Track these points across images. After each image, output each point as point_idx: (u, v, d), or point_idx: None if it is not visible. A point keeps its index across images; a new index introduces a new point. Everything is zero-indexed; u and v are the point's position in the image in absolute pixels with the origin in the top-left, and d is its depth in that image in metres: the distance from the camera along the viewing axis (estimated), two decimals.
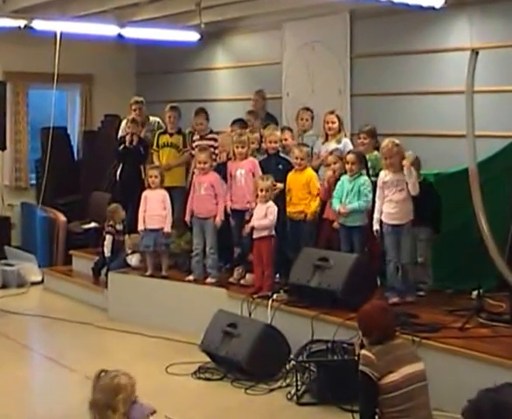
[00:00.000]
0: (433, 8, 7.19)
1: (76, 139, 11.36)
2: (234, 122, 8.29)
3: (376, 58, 8.36)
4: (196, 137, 8.48)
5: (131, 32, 9.23)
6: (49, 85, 9.23)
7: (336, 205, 6.78)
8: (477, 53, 5.68)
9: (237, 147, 7.32)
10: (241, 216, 7.30)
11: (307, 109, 8.10)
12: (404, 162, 6.37)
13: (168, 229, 7.70)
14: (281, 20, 9.21)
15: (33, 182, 10.91)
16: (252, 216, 7.03)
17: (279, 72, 9.37)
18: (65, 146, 11.01)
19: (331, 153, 7.19)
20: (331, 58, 8.74)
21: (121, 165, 8.87)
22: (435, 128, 7.70)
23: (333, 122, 7.59)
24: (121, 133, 9.02)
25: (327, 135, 7.65)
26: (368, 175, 6.87)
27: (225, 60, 10.42)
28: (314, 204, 7.05)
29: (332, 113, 7.66)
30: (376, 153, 7.16)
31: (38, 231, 9.94)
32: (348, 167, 6.80)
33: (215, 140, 8.24)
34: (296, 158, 7.17)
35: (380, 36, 8.29)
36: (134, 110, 8.95)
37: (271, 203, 6.87)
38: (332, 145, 7.46)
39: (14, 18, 8.67)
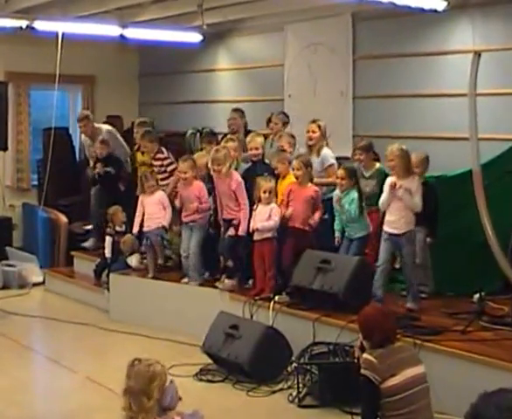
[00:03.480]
0: (435, 10, 7.20)
1: (78, 139, 11.35)
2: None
3: (378, 60, 8.36)
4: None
5: (133, 33, 9.22)
6: (51, 86, 9.22)
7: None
8: (479, 55, 5.67)
9: (212, 164, 6.95)
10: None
11: (281, 113, 8.06)
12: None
13: (166, 223, 7.73)
14: (284, 22, 9.22)
15: (35, 182, 10.92)
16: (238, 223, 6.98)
17: (281, 74, 9.38)
18: (67, 146, 10.99)
19: (297, 157, 6.92)
20: (333, 60, 8.74)
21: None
22: (437, 131, 7.70)
23: (313, 131, 7.35)
24: (86, 151, 9.42)
25: (309, 145, 7.42)
26: (359, 191, 6.60)
27: (227, 62, 10.43)
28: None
29: (314, 122, 7.41)
30: (378, 165, 7.04)
31: (40, 232, 9.93)
32: (338, 181, 6.70)
33: (162, 159, 8.26)
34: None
35: (382, 38, 8.30)
36: (80, 127, 9.29)
37: (274, 205, 6.83)
38: (313, 158, 7.18)
39: (16, 19, 8.67)
